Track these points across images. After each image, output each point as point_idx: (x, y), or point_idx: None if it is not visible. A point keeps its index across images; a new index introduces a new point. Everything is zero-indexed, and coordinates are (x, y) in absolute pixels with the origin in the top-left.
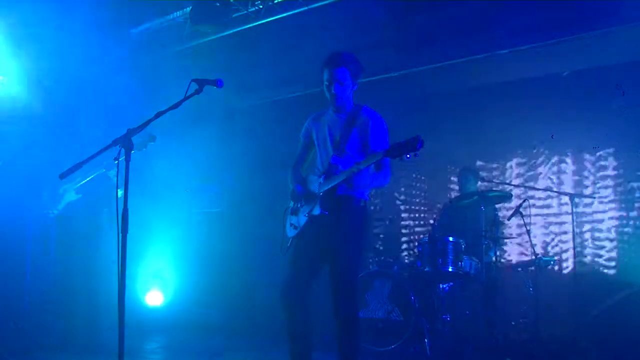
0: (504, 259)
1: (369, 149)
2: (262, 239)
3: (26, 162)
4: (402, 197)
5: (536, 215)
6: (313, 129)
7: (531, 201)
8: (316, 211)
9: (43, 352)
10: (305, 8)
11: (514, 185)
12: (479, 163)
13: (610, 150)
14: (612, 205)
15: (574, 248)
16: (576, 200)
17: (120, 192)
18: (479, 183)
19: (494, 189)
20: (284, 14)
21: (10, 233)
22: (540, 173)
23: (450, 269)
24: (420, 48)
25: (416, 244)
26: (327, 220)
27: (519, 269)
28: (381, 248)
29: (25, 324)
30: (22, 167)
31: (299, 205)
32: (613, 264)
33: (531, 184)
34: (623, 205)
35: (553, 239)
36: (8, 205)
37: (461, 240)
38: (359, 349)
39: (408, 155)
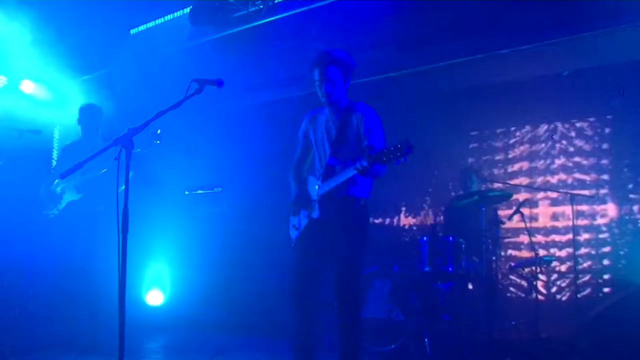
0: (504, 258)
1: (362, 143)
2: (263, 239)
3: (27, 162)
4: (402, 197)
5: (536, 214)
6: (310, 129)
7: (531, 201)
8: (315, 214)
9: (43, 352)
10: (306, 8)
11: (514, 185)
12: (479, 162)
13: (611, 150)
14: (613, 204)
15: (574, 247)
16: (576, 199)
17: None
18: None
19: (494, 188)
20: (284, 14)
21: (10, 233)
22: (541, 173)
23: (450, 269)
24: (420, 48)
25: (416, 244)
26: (328, 222)
27: (519, 269)
28: (381, 248)
29: (26, 323)
30: (23, 167)
31: (300, 208)
32: (613, 263)
33: (531, 183)
34: (623, 205)
35: (553, 239)
36: (8, 206)
37: (461, 240)
38: (361, 349)
39: (398, 162)
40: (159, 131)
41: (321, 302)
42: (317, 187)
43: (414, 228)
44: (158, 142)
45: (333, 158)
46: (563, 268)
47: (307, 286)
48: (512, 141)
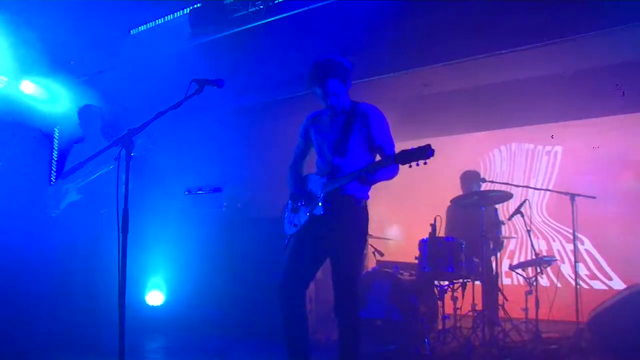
0: (504, 258)
1: (372, 144)
2: (263, 239)
3: (28, 161)
4: (403, 197)
5: (537, 215)
6: (312, 129)
7: (531, 201)
8: (318, 211)
9: (43, 352)
10: (306, 8)
11: (515, 185)
12: (479, 162)
13: (611, 150)
14: (613, 204)
15: (575, 247)
16: (577, 199)
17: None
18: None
19: (495, 189)
20: (284, 14)
21: (11, 233)
22: (541, 173)
23: (450, 269)
24: (420, 48)
25: (416, 243)
26: (328, 220)
27: (519, 269)
28: (382, 248)
29: (26, 324)
30: (24, 167)
31: (299, 204)
32: (613, 263)
33: (532, 183)
34: (624, 205)
35: (553, 239)
36: (9, 205)
37: (461, 240)
38: (359, 348)
39: (417, 163)
40: (153, 135)
41: (320, 301)
42: (322, 184)
43: (415, 228)
44: (152, 146)
45: (339, 157)
46: (564, 268)
47: (297, 281)
48: (512, 141)
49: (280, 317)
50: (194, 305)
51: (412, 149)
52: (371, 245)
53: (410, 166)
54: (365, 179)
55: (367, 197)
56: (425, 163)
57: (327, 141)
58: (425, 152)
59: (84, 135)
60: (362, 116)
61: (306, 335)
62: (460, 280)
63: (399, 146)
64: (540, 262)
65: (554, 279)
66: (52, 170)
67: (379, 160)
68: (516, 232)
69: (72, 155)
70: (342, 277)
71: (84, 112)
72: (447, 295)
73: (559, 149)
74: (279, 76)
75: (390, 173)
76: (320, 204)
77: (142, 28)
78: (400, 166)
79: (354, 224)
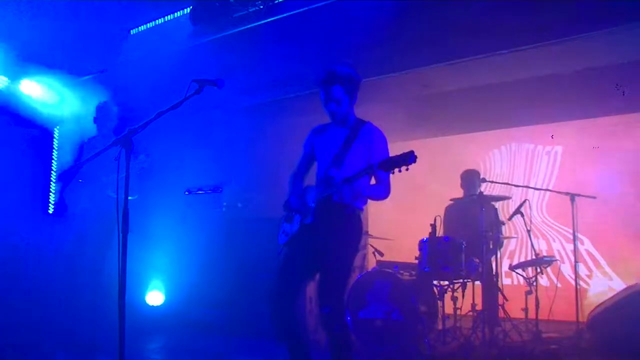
0: (504, 258)
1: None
2: (263, 239)
3: (28, 162)
4: (403, 197)
5: (537, 215)
6: (315, 141)
7: (532, 201)
8: (308, 220)
9: (43, 351)
10: (306, 8)
11: (515, 185)
12: (479, 162)
13: (611, 150)
14: (613, 204)
15: (575, 247)
16: (577, 199)
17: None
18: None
19: (495, 189)
20: (285, 14)
21: (11, 232)
22: (541, 173)
23: (450, 270)
24: (420, 48)
25: (416, 243)
26: (319, 229)
27: (519, 269)
28: (382, 248)
29: (26, 323)
30: (25, 167)
31: (292, 214)
32: (613, 263)
33: (532, 183)
34: (624, 205)
35: (553, 239)
36: (10, 204)
37: (461, 240)
38: (351, 353)
39: (400, 170)
40: (144, 156)
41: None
42: (315, 194)
43: (415, 228)
44: (145, 166)
45: (335, 169)
46: (564, 268)
47: (287, 293)
48: (513, 141)
49: (273, 329)
50: (194, 305)
51: (396, 156)
52: (371, 245)
53: (392, 173)
54: (352, 185)
55: (361, 208)
56: (407, 169)
57: (327, 153)
58: (408, 159)
59: (97, 132)
60: (365, 135)
61: (303, 341)
62: (460, 280)
63: (399, 146)
64: (540, 262)
65: (554, 279)
66: (52, 169)
67: (365, 167)
68: (516, 232)
69: (86, 151)
70: (327, 287)
71: (101, 109)
72: (447, 295)
73: (559, 149)
74: (279, 76)
75: (381, 192)
76: (311, 213)
77: (142, 28)
78: (391, 183)
79: (343, 233)
